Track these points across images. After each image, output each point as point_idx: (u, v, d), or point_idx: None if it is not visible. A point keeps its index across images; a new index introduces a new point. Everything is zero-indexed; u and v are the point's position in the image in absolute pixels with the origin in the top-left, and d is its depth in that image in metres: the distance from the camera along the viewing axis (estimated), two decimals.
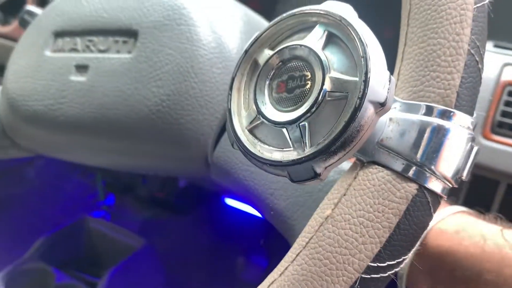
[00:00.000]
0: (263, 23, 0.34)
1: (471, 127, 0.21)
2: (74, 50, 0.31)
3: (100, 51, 0.30)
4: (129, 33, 0.30)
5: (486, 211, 0.49)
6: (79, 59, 0.31)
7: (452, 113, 0.21)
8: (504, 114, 0.49)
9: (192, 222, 1.08)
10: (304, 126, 0.20)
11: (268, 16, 0.66)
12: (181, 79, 0.27)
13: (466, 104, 0.21)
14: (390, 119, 0.21)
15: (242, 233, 0.98)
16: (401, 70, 0.23)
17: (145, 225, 1.16)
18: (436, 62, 0.21)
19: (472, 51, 0.21)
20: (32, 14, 0.44)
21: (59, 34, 0.32)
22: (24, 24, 0.45)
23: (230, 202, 0.98)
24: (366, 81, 0.18)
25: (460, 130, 0.21)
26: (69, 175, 1.20)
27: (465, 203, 0.51)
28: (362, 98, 0.18)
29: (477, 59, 0.22)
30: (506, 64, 0.51)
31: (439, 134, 0.21)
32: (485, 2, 0.22)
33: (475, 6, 0.22)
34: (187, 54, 0.28)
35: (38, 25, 0.34)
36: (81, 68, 0.30)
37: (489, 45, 0.57)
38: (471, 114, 0.22)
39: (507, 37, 0.60)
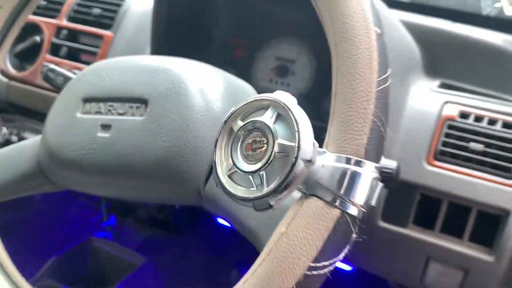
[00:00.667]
0: (242, 85, 0.45)
1: (376, 170, 0.32)
2: (99, 112, 0.41)
3: (119, 114, 0.40)
4: (141, 101, 0.40)
5: (432, 225, 0.59)
6: (104, 120, 0.41)
7: (362, 162, 0.31)
8: (445, 144, 0.58)
9: (189, 240, 1.17)
10: (262, 174, 0.30)
11: (251, 60, 0.77)
12: (180, 135, 0.38)
13: (372, 155, 0.32)
14: (323, 166, 0.32)
15: (234, 247, 1.07)
16: (330, 131, 0.33)
17: (145, 243, 1.25)
18: (351, 128, 0.32)
19: (375, 120, 0.32)
20: (54, 72, 0.55)
21: (87, 100, 0.42)
22: (48, 80, 0.55)
23: (221, 221, 1.07)
24: (299, 147, 0.29)
25: (368, 173, 0.31)
26: (73, 198, 1.29)
27: (415, 218, 0.61)
28: (296, 157, 0.29)
29: (379, 124, 0.32)
30: (446, 102, 0.62)
31: (354, 177, 0.31)
32: (385, 86, 0.33)
33: (376, 89, 0.32)
34: (185, 117, 0.38)
35: (69, 92, 0.44)
36: (106, 127, 0.40)
37: (434, 84, 0.67)
38: (377, 162, 0.32)
39: (453, 75, 0.70)
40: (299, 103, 0.32)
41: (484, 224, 0.57)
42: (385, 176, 0.36)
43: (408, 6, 0.83)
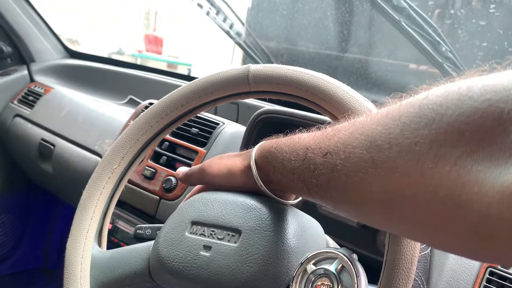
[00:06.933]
0: (312, 224, 0.56)
1: None
2: (203, 235, 0.54)
3: (219, 239, 0.52)
4: (235, 231, 0.52)
5: None
6: (206, 241, 0.53)
7: None
8: None
9: None
10: None
11: None
12: (262, 264, 0.48)
13: None
14: None
15: None
16: (382, 280, 0.43)
17: None
18: (397, 282, 0.42)
19: (417, 278, 0.42)
20: (141, 228, 0.67)
21: (194, 223, 0.55)
22: (138, 236, 0.66)
23: None
24: None
25: None
26: None
27: None
28: None
29: (419, 282, 0.42)
30: None
31: None
32: (426, 252, 0.43)
33: (418, 255, 0.42)
34: (267, 249, 0.49)
35: (181, 213, 0.57)
36: (207, 247, 0.52)
37: None
38: None
39: None
40: (359, 233, 0.42)
41: None
42: None
43: None
